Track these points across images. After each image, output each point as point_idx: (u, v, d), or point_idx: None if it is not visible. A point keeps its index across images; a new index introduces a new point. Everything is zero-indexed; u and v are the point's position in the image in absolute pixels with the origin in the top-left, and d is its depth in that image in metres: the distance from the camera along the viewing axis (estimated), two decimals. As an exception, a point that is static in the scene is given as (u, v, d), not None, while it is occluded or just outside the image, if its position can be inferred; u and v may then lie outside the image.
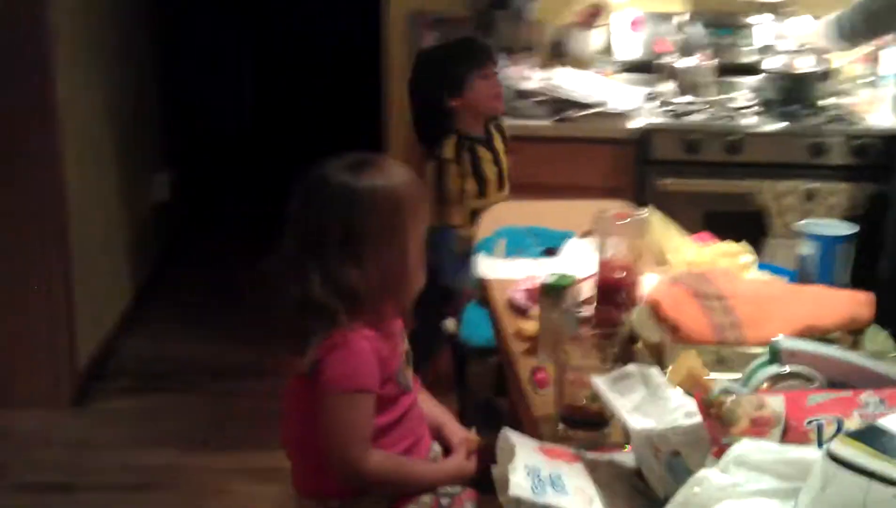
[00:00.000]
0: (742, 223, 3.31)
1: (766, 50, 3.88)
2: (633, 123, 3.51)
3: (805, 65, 3.73)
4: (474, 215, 2.87)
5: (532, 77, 3.73)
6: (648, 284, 1.95)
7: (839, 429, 1.34)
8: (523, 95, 3.63)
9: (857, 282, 3.05)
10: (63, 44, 3.47)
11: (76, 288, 3.65)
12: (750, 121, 3.53)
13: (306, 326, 1.77)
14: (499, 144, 3.13)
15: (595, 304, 1.93)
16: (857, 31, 3.37)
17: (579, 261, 2.14)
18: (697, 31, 3.88)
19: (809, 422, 1.36)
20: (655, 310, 1.79)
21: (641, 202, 3.30)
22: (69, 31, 3.56)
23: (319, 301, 1.76)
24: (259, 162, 6.91)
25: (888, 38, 3.55)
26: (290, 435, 1.93)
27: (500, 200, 3.01)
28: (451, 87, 2.99)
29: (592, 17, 3.91)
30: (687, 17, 3.90)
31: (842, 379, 1.51)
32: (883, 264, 3.29)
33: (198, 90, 5.92)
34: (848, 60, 3.85)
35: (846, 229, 2.03)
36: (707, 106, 3.64)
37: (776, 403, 1.38)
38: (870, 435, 1.27)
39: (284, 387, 1.90)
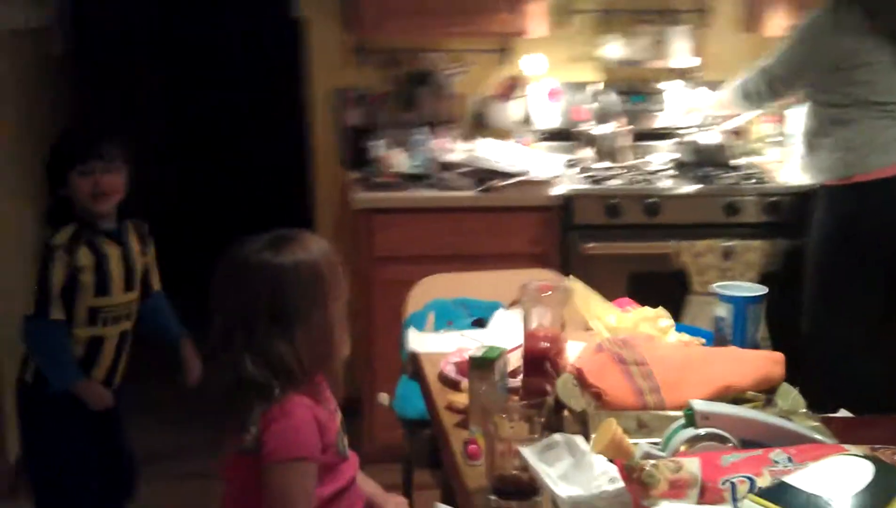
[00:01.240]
0: (665, 283, 3.44)
1: (677, 116, 4.05)
2: (555, 190, 3.62)
3: (712, 136, 3.90)
4: (94, 313, 2.76)
5: (455, 149, 3.83)
6: (573, 352, 2.03)
7: (751, 487, 1.42)
8: (447, 166, 3.73)
9: (780, 337, 3.19)
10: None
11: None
12: (666, 183, 3.67)
13: (244, 403, 1.81)
14: (134, 242, 2.88)
15: (522, 374, 2.01)
16: (761, 94, 3.55)
17: (507, 332, 2.21)
18: (611, 98, 4.03)
19: (724, 482, 1.44)
20: (579, 378, 1.87)
21: (566, 267, 3.41)
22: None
23: (253, 379, 1.80)
24: (185, 243, 6.90)
25: (791, 99, 3.73)
26: (229, 501, 1.94)
27: (127, 300, 2.84)
28: (54, 182, 2.78)
29: (510, 88, 4.04)
30: (601, 85, 4.05)
31: (754, 438, 1.60)
32: (803, 320, 3.42)
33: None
34: (757, 121, 4.02)
35: (757, 290, 2.13)
36: (624, 171, 3.77)
37: (692, 465, 1.47)
38: (777, 493, 1.36)
39: (223, 466, 1.92)
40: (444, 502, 2.06)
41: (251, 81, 7.73)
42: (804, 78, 3.46)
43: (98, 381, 2.82)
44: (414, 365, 2.35)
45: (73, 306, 2.73)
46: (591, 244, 3.55)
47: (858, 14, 3.30)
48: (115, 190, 2.78)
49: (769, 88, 3.52)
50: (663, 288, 3.23)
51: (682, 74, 4.09)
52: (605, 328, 2.14)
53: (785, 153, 3.92)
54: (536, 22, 3.81)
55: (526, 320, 2.01)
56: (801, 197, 3.59)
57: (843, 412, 1.80)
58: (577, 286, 2.18)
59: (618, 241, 3.57)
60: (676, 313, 3.35)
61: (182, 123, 7.83)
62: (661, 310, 2.21)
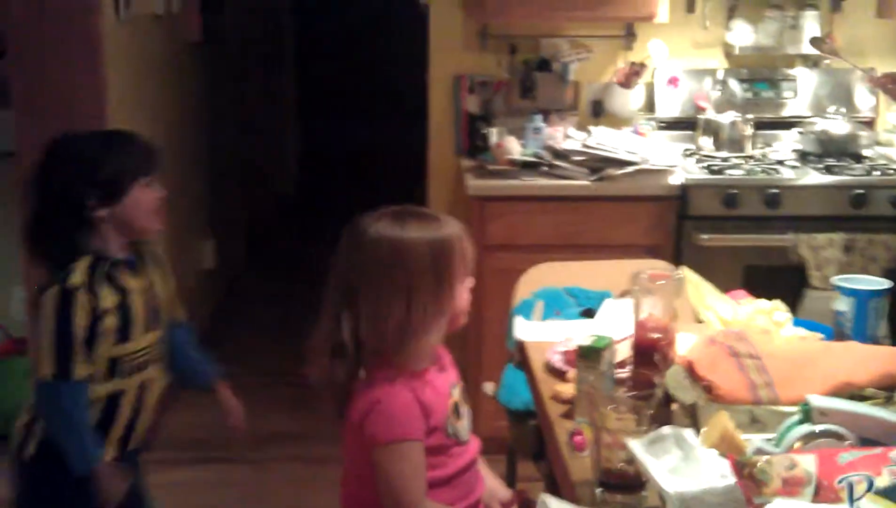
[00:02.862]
0: (782, 276, 3.33)
1: (803, 104, 3.92)
2: (672, 180, 3.55)
3: (839, 125, 3.75)
4: (114, 364, 2.26)
5: (571, 136, 3.79)
6: (684, 344, 1.98)
7: (870, 487, 1.36)
8: (561, 155, 3.68)
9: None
10: (116, 111, 3.53)
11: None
12: (788, 174, 3.55)
13: (341, 373, 1.83)
14: (154, 272, 2.39)
15: (631, 365, 1.96)
16: None
17: (616, 322, 2.17)
18: (735, 86, 3.93)
19: (840, 480, 1.39)
20: (690, 370, 1.82)
21: (680, 259, 3.34)
22: (122, 98, 3.63)
23: (349, 347, 1.81)
24: (305, 226, 7.04)
25: None
26: (346, 486, 1.95)
27: (148, 344, 2.33)
28: (105, 193, 2.24)
29: (632, 75, 3.96)
30: (724, 73, 3.95)
31: (873, 437, 1.54)
32: None
33: (241, 156, 6.05)
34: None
35: (880, 284, 2.05)
36: (744, 161, 3.67)
37: (808, 462, 1.41)
38: (898, 494, 1.29)
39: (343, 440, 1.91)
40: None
41: (379, 66, 7.86)
42: None
43: (113, 445, 2.31)
44: (520, 354, 2.32)
45: (91, 359, 2.24)
46: (706, 236, 3.46)
47: None
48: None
49: None
50: (780, 282, 3.12)
51: (808, 60, 3.96)
52: (718, 320, 2.08)
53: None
54: (662, 6, 3.73)
55: (636, 309, 1.97)
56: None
57: (971, 414, 1.70)
58: (689, 276, 2.12)
59: (734, 233, 3.48)
60: (793, 309, 3.26)
61: (309, 107, 8.01)
62: (777, 303, 2.14)
